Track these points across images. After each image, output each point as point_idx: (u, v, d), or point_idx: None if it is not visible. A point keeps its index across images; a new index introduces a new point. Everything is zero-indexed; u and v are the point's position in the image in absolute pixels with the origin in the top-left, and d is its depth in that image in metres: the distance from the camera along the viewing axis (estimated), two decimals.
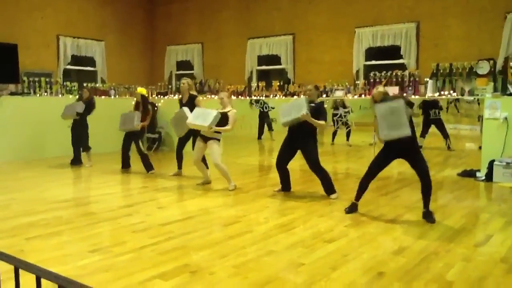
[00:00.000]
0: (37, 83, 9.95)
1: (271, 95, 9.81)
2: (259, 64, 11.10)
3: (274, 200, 5.84)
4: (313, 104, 5.78)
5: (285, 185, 6.23)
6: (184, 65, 12.22)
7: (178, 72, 12.41)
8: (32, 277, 1.54)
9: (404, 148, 4.82)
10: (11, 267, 1.64)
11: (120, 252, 3.81)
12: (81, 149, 8.52)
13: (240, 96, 10.21)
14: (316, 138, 6.04)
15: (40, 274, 1.47)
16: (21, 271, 1.62)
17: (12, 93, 9.52)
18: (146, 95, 8.21)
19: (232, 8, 11.34)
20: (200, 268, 3.46)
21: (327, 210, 5.30)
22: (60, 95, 10.24)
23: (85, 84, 10.50)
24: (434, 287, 3.15)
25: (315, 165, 5.91)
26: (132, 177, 7.49)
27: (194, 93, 7.46)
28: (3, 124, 8.85)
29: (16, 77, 9.71)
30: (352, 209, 5.16)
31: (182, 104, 7.17)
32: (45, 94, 10.03)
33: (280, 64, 10.66)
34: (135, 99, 8.30)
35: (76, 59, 11.21)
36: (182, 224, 4.72)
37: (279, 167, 6.14)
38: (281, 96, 9.51)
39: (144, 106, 7.85)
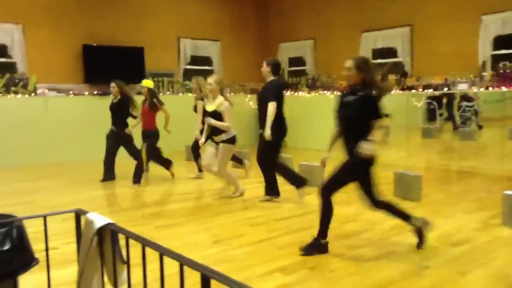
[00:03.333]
0: (160, 83, 10.73)
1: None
2: (374, 57, 10.76)
3: (391, 199, 5.62)
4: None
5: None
6: (296, 61, 12.28)
7: (290, 69, 12.51)
8: (176, 264, 1.66)
9: None
10: (156, 254, 1.78)
11: (240, 244, 3.95)
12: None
13: None
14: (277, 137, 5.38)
15: (183, 262, 1.56)
16: (165, 258, 1.75)
17: (139, 93, 10.32)
18: (153, 88, 6.88)
19: (344, 1, 11.12)
20: (319, 265, 3.45)
21: (451, 211, 4.98)
22: (180, 94, 10.94)
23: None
24: None
25: (262, 163, 5.54)
26: (246, 173, 7.69)
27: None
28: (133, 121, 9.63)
29: (143, 78, 10.50)
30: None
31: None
32: (168, 93, 10.77)
33: (395, 57, 10.24)
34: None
35: (195, 59, 11.82)
36: (299, 219, 4.75)
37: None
38: (398, 90, 9.13)
39: (150, 101, 6.70)
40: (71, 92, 9.52)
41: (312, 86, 11.22)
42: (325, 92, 10.58)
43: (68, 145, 9.14)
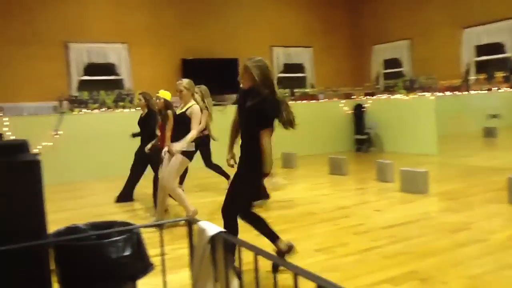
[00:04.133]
0: None
1: (493, 88, 8.81)
2: (478, 54, 10.07)
3: (506, 206, 5.18)
4: None
5: None
6: (392, 63, 11.88)
7: (386, 71, 12.12)
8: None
9: None
10: (267, 262, 1.78)
11: (344, 253, 3.86)
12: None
13: (456, 92, 9.43)
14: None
15: (298, 272, 1.55)
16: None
17: (234, 103, 10.62)
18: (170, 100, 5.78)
19: None
20: (431, 276, 3.26)
21: None
22: None
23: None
24: None
25: None
26: (343, 180, 7.55)
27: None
28: (227, 131, 9.92)
29: (238, 88, 10.79)
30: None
31: None
32: None
33: (503, 52, 9.50)
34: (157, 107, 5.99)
35: (288, 67, 11.90)
36: (404, 228, 4.54)
37: None
38: (506, 88, 8.45)
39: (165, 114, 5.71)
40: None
41: (410, 88, 10.77)
42: (425, 93, 10.08)
43: None
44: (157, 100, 5.84)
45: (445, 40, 10.47)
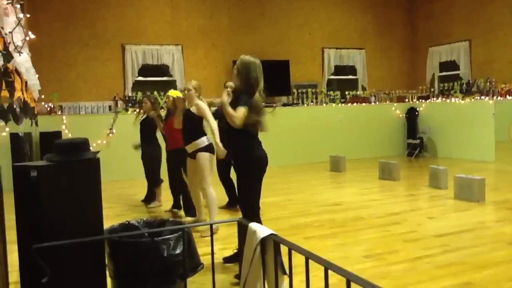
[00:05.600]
0: (304, 94, 10.91)
1: None
2: None
3: None
4: None
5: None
6: (448, 65, 11.47)
7: (441, 74, 11.73)
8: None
9: None
10: (316, 266, 1.78)
11: (394, 261, 3.77)
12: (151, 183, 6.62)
13: None
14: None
15: (350, 278, 1.53)
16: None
17: (284, 104, 10.62)
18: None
19: None
20: None
21: None
22: (324, 104, 10.97)
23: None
24: None
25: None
26: (394, 185, 7.37)
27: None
28: (277, 132, 9.93)
29: (288, 90, 10.82)
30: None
31: None
32: (311, 103, 10.88)
33: None
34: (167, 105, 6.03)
35: (338, 69, 11.76)
36: (458, 237, 4.39)
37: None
38: None
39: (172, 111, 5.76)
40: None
41: (467, 92, 10.38)
42: (483, 97, 9.69)
43: None
44: (167, 99, 5.94)
45: (508, 41, 9.98)
